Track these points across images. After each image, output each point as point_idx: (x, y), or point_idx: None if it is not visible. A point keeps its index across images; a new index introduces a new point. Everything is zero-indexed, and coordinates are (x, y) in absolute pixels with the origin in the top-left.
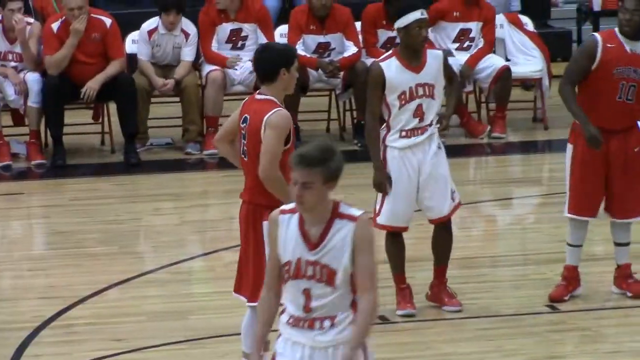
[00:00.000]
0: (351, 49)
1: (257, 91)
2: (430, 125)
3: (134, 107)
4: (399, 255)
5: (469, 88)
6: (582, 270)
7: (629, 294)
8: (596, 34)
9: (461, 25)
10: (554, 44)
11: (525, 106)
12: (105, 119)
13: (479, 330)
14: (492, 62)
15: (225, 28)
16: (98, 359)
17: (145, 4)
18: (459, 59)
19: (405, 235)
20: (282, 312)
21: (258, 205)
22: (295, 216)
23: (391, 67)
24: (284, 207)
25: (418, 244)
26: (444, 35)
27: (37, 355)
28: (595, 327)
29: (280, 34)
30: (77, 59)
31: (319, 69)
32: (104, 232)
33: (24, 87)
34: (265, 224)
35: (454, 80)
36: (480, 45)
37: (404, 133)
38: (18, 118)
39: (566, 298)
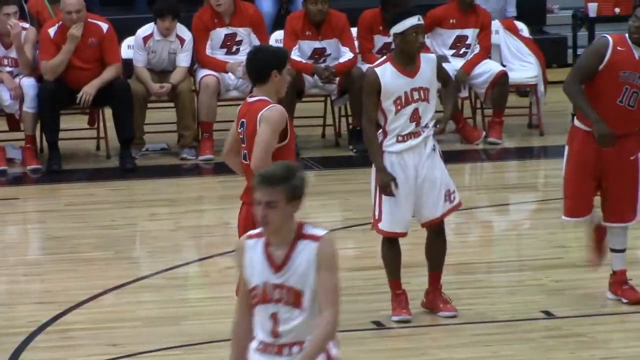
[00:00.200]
0: (347, 55)
1: (249, 94)
2: (425, 127)
3: (130, 113)
4: (395, 261)
5: (464, 94)
6: (578, 276)
7: (624, 301)
8: (607, 35)
9: (457, 32)
10: (549, 50)
11: (520, 112)
12: (101, 124)
13: (474, 336)
14: (489, 68)
15: (220, 33)
16: None
17: (140, 10)
18: (454, 65)
19: (400, 240)
20: (253, 338)
21: None
22: (261, 240)
23: (386, 73)
24: (251, 232)
25: (413, 250)
26: (440, 42)
27: None
28: (591, 333)
29: (276, 39)
30: (73, 65)
31: (315, 75)
32: (100, 237)
33: (20, 92)
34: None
35: (449, 82)
36: (476, 51)
37: (400, 138)
38: (13, 123)
39: None
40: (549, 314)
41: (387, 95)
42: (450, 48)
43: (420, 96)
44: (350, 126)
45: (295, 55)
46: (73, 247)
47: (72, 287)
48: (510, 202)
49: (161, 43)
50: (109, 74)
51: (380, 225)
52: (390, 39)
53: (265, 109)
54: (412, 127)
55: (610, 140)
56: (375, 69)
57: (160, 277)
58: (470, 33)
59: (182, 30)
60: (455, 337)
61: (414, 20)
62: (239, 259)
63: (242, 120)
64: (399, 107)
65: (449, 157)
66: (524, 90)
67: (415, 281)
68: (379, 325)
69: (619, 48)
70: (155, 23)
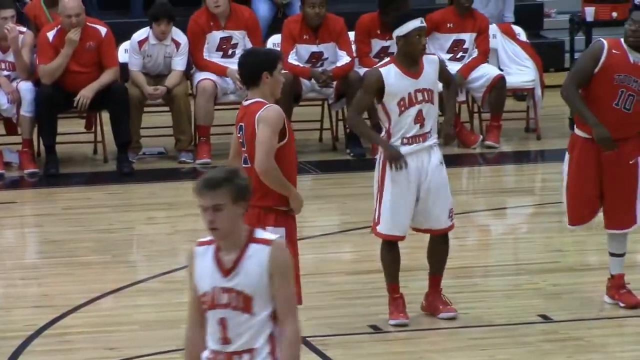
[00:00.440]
0: (344, 59)
1: (245, 98)
2: (430, 132)
3: (127, 116)
4: (394, 265)
5: (462, 98)
6: (575, 279)
7: (622, 305)
8: (603, 39)
9: (455, 36)
10: (546, 55)
11: (517, 116)
12: (98, 128)
13: (471, 339)
14: (486, 71)
15: (216, 36)
16: None
17: (136, 14)
18: (452, 69)
19: (399, 244)
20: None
21: (262, 208)
22: (212, 247)
23: (390, 74)
24: (202, 239)
25: (412, 253)
26: (437, 46)
27: None
28: (588, 337)
29: (273, 43)
30: (71, 68)
31: (312, 79)
32: (97, 241)
33: (17, 96)
34: (270, 229)
35: (451, 83)
36: (474, 55)
37: (405, 140)
38: (11, 127)
39: None
40: (546, 318)
41: (391, 96)
42: (448, 52)
43: (424, 97)
44: (348, 130)
45: (292, 59)
46: (70, 250)
47: (69, 291)
48: (507, 206)
49: (157, 47)
50: (106, 77)
51: (379, 228)
52: (387, 43)
53: (262, 110)
54: (416, 129)
55: (610, 142)
56: (380, 69)
57: (157, 281)
58: (468, 37)
59: (177, 34)
60: (452, 340)
61: (417, 23)
62: (189, 266)
63: (241, 124)
64: (403, 109)
65: (447, 161)
66: (521, 94)
67: (413, 285)
68: (376, 329)
69: (614, 51)
70: (150, 27)
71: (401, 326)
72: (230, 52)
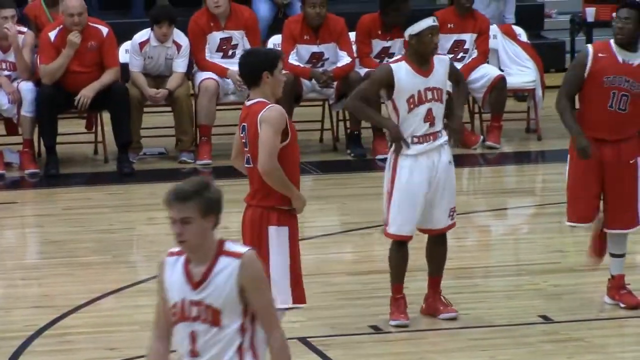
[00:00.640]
0: (344, 59)
1: (247, 98)
2: (440, 132)
3: (128, 117)
4: (402, 266)
5: None
6: (576, 280)
7: (622, 305)
8: (589, 45)
9: (455, 36)
10: (547, 55)
11: (518, 117)
12: (99, 128)
13: (472, 340)
14: (487, 72)
15: (216, 37)
16: None
17: (137, 14)
18: None
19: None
20: None
21: (265, 207)
22: (182, 258)
23: (401, 70)
24: (172, 249)
25: (412, 254)
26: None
27: None
28: (589, 338)
29: (274, 44)
30: (72, 69)
31: (313, 79)
32: (98, 241)
33: (18, 96)
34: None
35: (461, 81)
36: (474, 56)
37: (416, 139)
38: (11, 127)
39: None
40: (546, 319)
41: (401, 92)
42: (448, 53)
43: (433, 96)
44: (348, 130)
45: (293, 60)
46: (71, 251)
47: (70, 291)
48: (508, 206)
49: (158, 49)
50: (107, 77)
51: (388, 229)
52: (388, 43)
53: (264, 110)
54: (426, 127)
55: (585, 153)
56: (391, 65)
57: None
58: (468, 38)
59: (178, 35)
60: (452, 341)
61: (429, 22)
62: (159, 276)
63: (243, 124)
64: (412, 106)
65: None
66: (521, 94)
67: (413, 286)
68: (376, 329)
69: (600, 55)
70: (151, 29)
71: (401, 327)
72: (230, 52)
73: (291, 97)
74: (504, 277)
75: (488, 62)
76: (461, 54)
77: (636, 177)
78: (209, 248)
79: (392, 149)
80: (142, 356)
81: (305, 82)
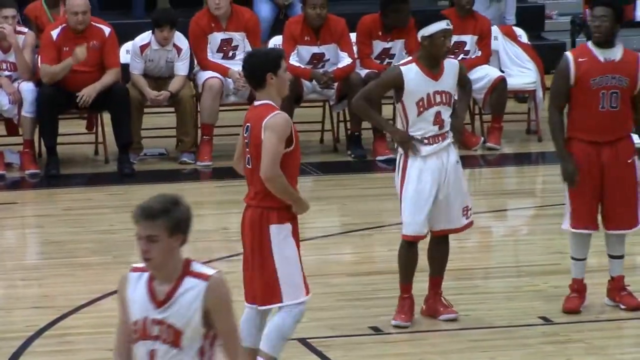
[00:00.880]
0: (345, 60)
1: (256, 99)
2: (447, 132)
3: (128, 117)
4: (411, 265)
5: None
6: None
7: (622, 307)
8: (567, 53)
9: (456, 38)
10: (548, 56)
11: (519, 118)
12: (99, 128)
13: (472, 341)
14: (487, 73)
15: (216, 38)
16: None
17: (138, 15)
18: None
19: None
20: None
21: (265, 208)
22: (146, 274)
23: (411, 72)
24: (136, 265)
25: None
26: None
27: None
28: (589, 339)
29: (275, 45)
30: (73, 69)
31: (313, 80)
32: (98, 242)
33: (18, 97)
34: (273, 228)
35: (467, 83)
36: (477, 55)
37: (426, 140)
38: (12, 128)
39: (581, 309)
40: (546, 320)
41: (410, 94)
42: (449, 54)
43: (442, 99)
44: (349, 131)
45: (293, 60)
46: (71, 251)
47: (70, 292)
48: (508, 207)
49: (159, 52)
50: (108, 78)
51: (404, 231)
52: (389, 44)
53: (270, 116)
54: (435, 130)
55: (573, 181)
56: (401, 67)
57: None
58: (469, 39)
59: (179, 39)
60: (452, 342)
61: (442, 25)
62: (121, 291)
63: (248, 124)
64: (422, 109)
65: None
66: (522, 96)
67: (414, 286)
68: (377, 330)
69: (580, 60)
70: (153, 32)
71: (401, 328)
72: (230, 54)
73: (291, 98)
74: (504, 278)
75: (489, 63)
76: (462, 56)
77: (634, 176)
78: (174, 267)
79: (401, 150)
80: None
81: (305, 83)
